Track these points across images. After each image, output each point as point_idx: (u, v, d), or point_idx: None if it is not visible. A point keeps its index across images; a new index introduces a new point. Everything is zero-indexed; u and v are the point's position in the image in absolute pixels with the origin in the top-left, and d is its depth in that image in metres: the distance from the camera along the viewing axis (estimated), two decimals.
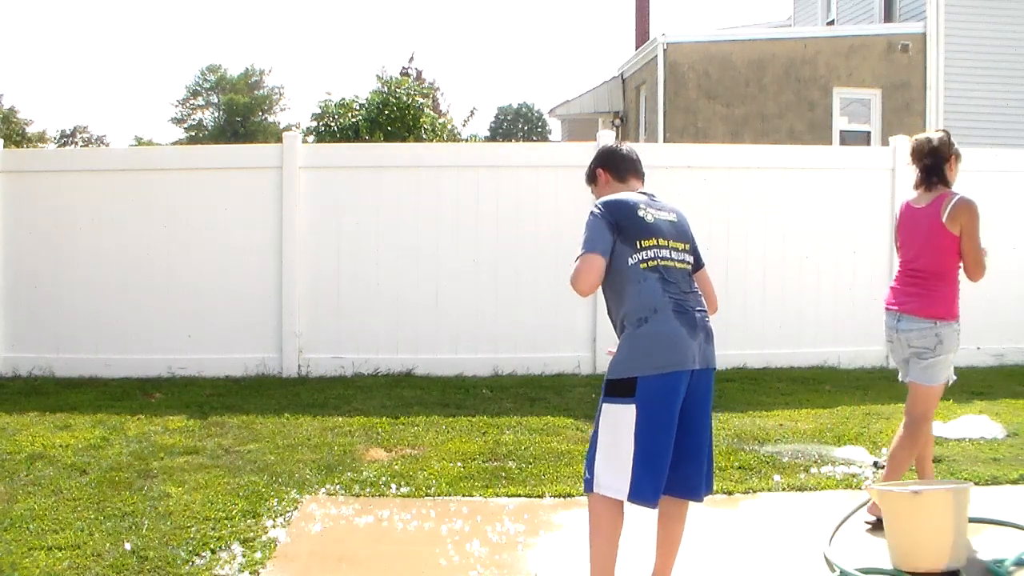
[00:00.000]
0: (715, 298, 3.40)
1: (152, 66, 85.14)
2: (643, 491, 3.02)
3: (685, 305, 3.13)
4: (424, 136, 12.24)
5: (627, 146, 3.58)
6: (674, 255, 3.21)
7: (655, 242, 3.17)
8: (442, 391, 6.90)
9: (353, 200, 7.52)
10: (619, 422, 3.05)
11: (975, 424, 5.68)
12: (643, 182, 3.49)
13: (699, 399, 3.16)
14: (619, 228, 3.15)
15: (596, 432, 3.13)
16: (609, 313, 3.27)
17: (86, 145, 43.92)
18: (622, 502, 3.06)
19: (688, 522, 3.31)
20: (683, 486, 3.18)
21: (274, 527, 4.05)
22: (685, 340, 3.09)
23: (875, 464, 4.98)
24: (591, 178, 3.54)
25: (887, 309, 4.10)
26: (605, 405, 3.11)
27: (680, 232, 3.27)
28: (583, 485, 3.19)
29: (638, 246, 3.14)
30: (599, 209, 3.21)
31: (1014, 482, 4.71)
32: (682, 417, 3.09)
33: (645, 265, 3.13)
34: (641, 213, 3.20)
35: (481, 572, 3.63)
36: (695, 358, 3.10)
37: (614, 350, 3.17)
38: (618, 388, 3.07)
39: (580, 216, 8.98)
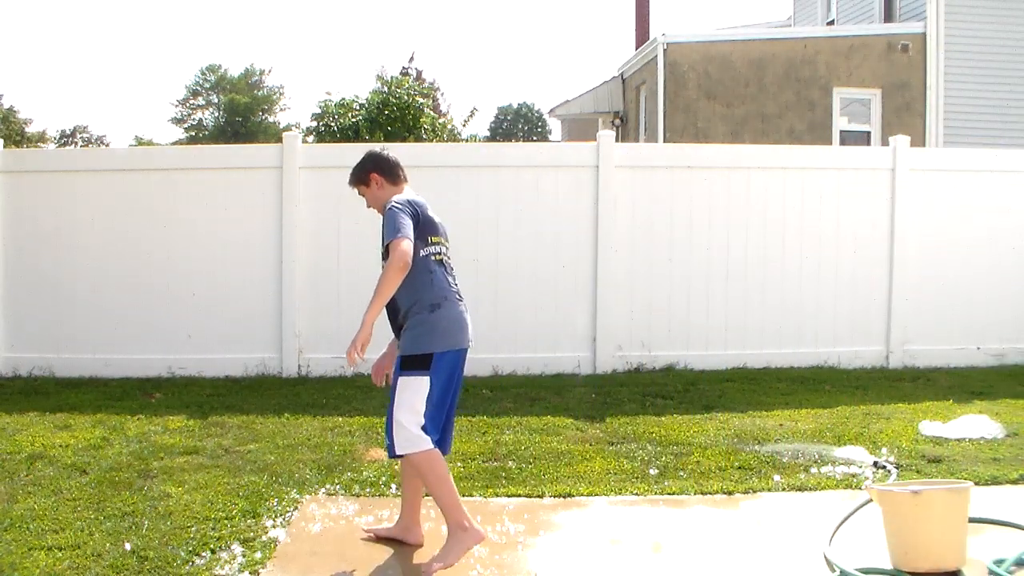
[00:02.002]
0: None
1: (152, 66, 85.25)
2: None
3: (459, 295, 3.77)
4: (424, 136, 12.22)
5: (391, 152, 3.93)
6: (447, 252, 3.81)
7: (439, 240, 3.75)
8: None
9: (353, 200, 7.42)
10: (417, 390, 3.61)
11: (975, 424, 5.68)
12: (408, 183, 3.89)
13: (461, 371, 3.80)
14: (417, 222, 3.61)
15: (394, 402, 3.64)
16: (395, 300, 3.64)
17: (86, 145, 43.93)
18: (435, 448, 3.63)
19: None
20: (446, 444, 3.85)
21: (274, 527, 4.06)
22: (466, 324, 3.75)
23: (875, 464, 4.97)
24: (362, 181, 3.87)
25: None
26: (404, 378, 3.64)
27: (446, 233, 3.83)
28: (387, 452, 3.73)
29: (429, 241, 3.69)
30: (400, 204, 3.63)
31: (1014, 482, 4.71)
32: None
33: (435, 258, 3.70)
34: (430, 213, 3.75)
35: (481, 572, 3.63)
36: (469, 338, 3.76)
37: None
38: (417, 362, 3.63)
39: (580, 216, 8.93)
